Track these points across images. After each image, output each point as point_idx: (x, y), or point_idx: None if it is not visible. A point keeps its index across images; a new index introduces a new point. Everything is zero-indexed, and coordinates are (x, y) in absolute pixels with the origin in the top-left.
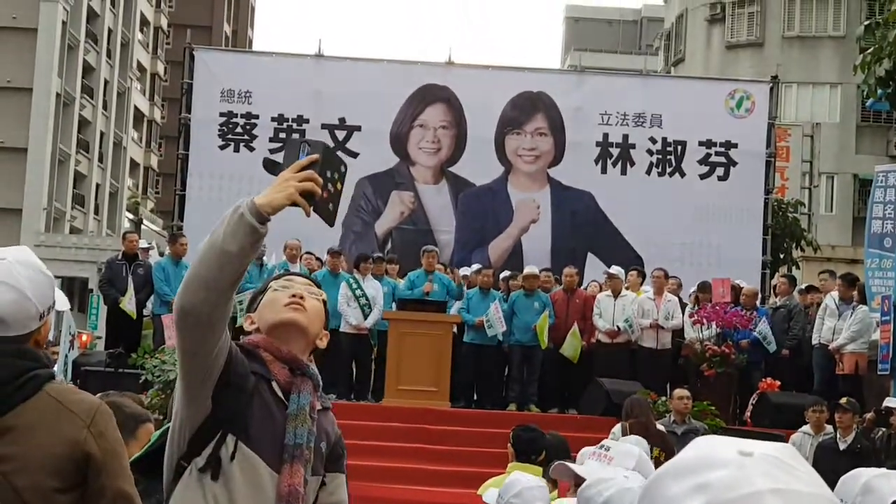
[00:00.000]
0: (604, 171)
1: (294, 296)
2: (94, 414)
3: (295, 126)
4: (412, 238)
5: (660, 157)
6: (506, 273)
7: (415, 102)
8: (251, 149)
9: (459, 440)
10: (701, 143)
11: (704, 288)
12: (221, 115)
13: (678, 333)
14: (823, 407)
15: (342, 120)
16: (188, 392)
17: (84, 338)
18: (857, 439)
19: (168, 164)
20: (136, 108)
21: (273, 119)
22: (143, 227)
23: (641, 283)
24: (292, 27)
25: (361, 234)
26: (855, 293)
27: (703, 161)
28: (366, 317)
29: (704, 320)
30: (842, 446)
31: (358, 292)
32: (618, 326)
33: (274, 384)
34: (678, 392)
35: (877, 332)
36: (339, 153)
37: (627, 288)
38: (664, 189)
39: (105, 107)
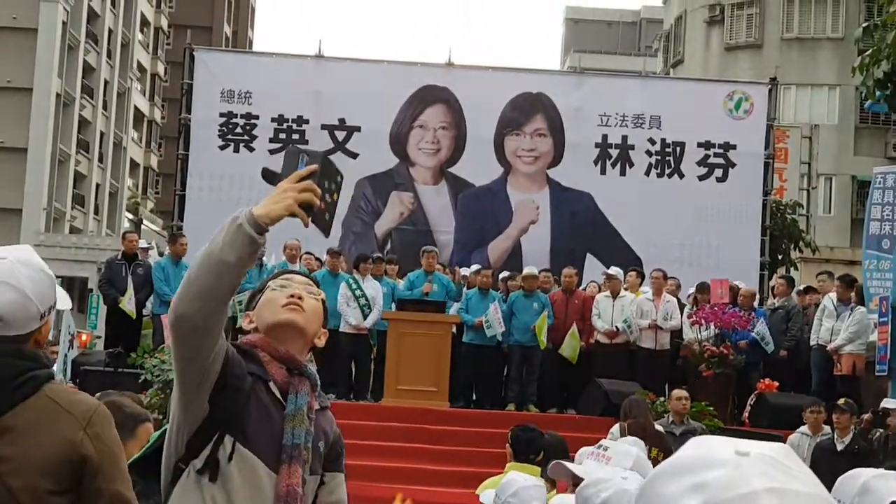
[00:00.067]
0: (603, 172)
1: (292, 296)
2: (90, 416)
3: (295, 127)
4: (412, 239)
5: (659, 158)
6: (505, 274)
7: (414, 103)
8: (251, 149)
9: (458, 440)
10: (700, 145)
11: (703, 289)
12: (221, 115)
13: (677, 334)
14: (821, 408)
15: (342, 120)
16: (185, 396)
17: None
18: (855, 440)
19: (168, 165)
20: (136, 108)
21: (273, 119)
22: (142, 227)
23: (640, 284)
24: (292, 28)
25: (361, 234)
26: (853, 294)
27: (702, 162)
28: (365, 317)
29: (703, 321)
30: (839, 447)
31: (357, 292)
32: (616, 327)
33: (271, 384)
34: (676, 392)
35: (874, 334)
36: (339, 154)
37: (626, 289)
38: (663, 190)
39: (105, 107)
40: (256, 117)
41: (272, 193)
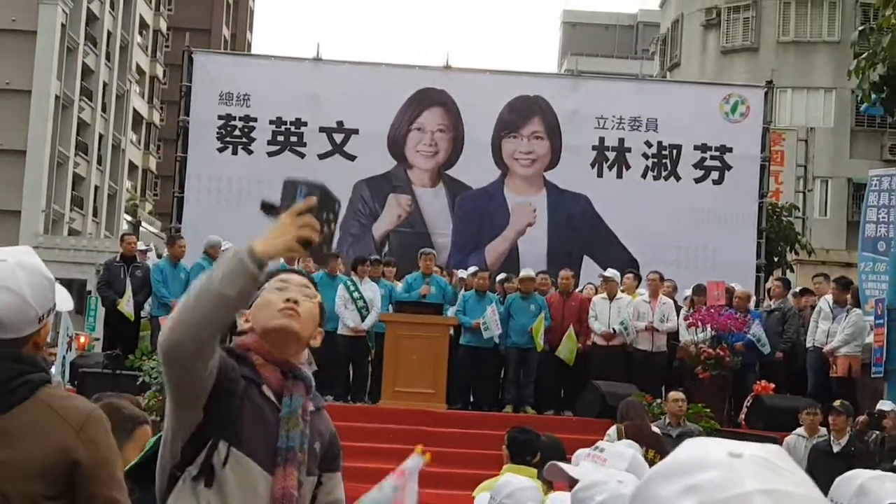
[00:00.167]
0: (600, 174)
1: (288, 300)
2: (84, 421)
3: (293, 129)
4: (409, 241)
5: (655, 160)
6: (502, 276)
7: (412, 106)
8: (249, 151)
9: (456, 442)
10: (696, 148)
11: (699, 291)
12: (220, 117)
13: (673, 336)
14: (817, 409)
15: (340, 123)
16: (178, 409)
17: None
18: (851, 442)
19: (166, 167)
20: (134, 110)
21: (271, 122)
22: (141, 229)
23: (637, 286)
24: (291, 31)
25: (359, 236)
26: (849, 296)
27: (698, 165)
28: (363, 319)
29: (699, 323)
30: (835, 449)
31: (355, 294)
32: (613, 329)
33: (264, 388)
34: (673, 394)
35: (870, 336)
36: (337, 156)
37: (623, 291)
38: (659, 193)
39: (104, 109)
40: (255, 120)
41: (272, 227)
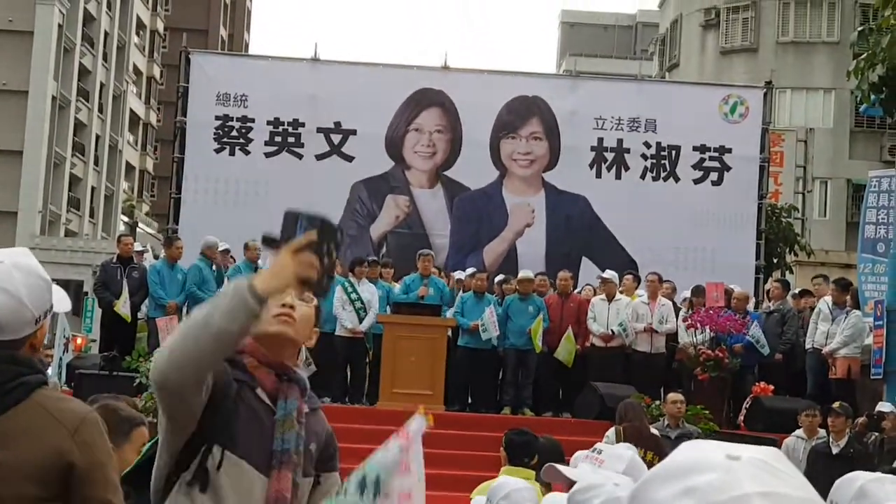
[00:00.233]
0: (598, 175)
1: (284, 305)
2: (79, 423)
3: (290, 130)
4: (407, 242)
5: (654, 161)
6: (500, 277)
7: (410, 106)
8: (247, 152)
9: (454, 444)
10: (695, 148)
11: (698, 292)
12: (217, 118)
13: (672, 337)
14: (816, 411)
15: (338, 124)
16: (171, 428)
17: (78, 341)
18: (850, 443)
19: (163, 168)
20: (131, 111)
21: (269, 123)
22: (138, 230)
23: (636, 288)
24: (288, 31)
25: (357, 237)
26: (848, 298)
27: (697, 166)
28: (361, 320)
29: (698, 324)
30: (835, 450)
31: (353, 296)
32: (612, 330)
33: (258, 390)
34: (672, 396)
35: (870, 337)
36: (335, 157)
37: (622, 292)
38: (658, 193)
39: (101, 110)
40: (252, 120)
41: (272, 265)
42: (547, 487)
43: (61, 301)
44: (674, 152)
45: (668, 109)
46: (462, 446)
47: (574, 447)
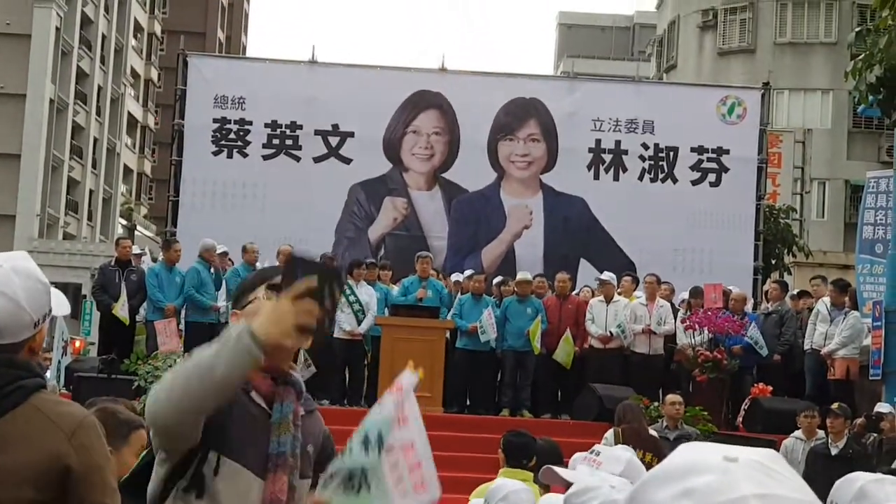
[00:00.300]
0: (596, 176)
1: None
2: (76, 427)
3: (288, 132)
4: (405, 244)
5: (652, 163)
6: (498, 279)
7: (408, 108)
8: (244, 155)
9: (452, 445)
10: (693, 150)
11: (696, 293)
12: (215, 121)
13: (670, 339)
14: (815, 412)
15: (335, 126)
16: (168, 456)
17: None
18: (849, 444)
19: (161, 170)
20: (129, 114)
21: (266, 125)
22: (136, 233)
23: (635, 289)
24: (286, 34)
25: (355, 239)
26: (847, 299)
27: (695, 167)
28: (359, 322)
29: (696, 326)
30: (833, 451)
31: (351, 298)
32: (610, 332)
33: (254, 394)
34: (670, 397)
35: (868, 338)
36: (333, 159)
37: (620, 293)
38: (656, 195)
39: (99, 113)
40: (250, 123)
41: (271, 312)
42: (545, 489)
43: (60, 305)
44: (672, 153)
45: (666, 111)
46: (460, 448)
47: (572, 449)
